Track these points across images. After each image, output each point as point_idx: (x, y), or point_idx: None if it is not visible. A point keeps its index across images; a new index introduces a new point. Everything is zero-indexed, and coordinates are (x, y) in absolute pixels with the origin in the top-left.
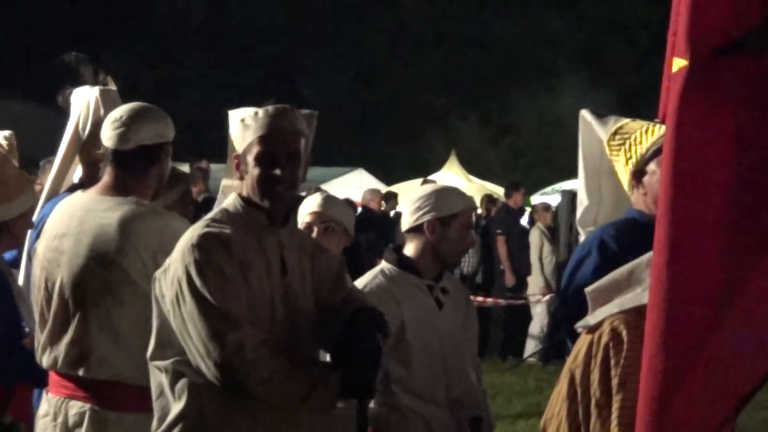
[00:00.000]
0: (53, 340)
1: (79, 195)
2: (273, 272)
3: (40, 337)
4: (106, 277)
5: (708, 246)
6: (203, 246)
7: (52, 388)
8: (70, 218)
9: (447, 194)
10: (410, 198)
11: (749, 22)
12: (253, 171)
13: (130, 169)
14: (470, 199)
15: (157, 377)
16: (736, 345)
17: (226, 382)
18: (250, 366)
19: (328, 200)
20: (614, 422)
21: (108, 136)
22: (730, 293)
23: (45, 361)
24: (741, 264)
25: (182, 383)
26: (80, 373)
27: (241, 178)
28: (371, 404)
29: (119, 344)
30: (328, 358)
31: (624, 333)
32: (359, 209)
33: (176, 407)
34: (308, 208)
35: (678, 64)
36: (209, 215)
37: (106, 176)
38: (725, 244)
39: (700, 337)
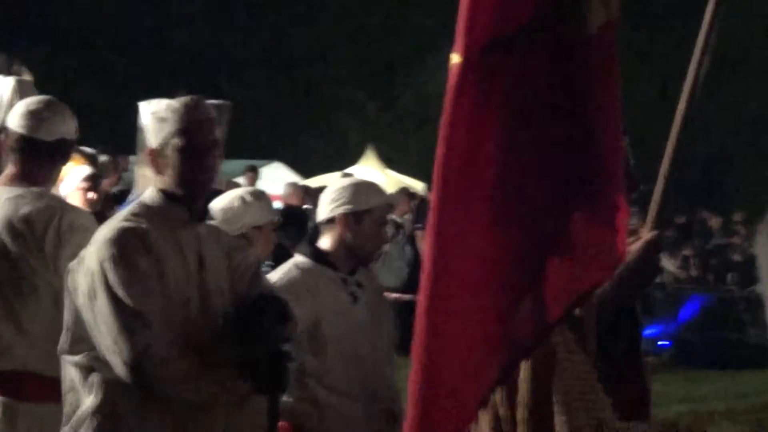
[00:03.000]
0: None
1: None
2: (190, 268)
3: None
4: (10, 268)
5: (472, 237)
6: (119, 241)
7: None
8: None
9: (362, 189)
10: (326, 190)
11: (519, 20)
12: (175, 164)
13: (44, 160)
14: (386, 196)
15: (68, 371)
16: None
17: (134, 380)
18: (159, 366)
19: (267, 204)
20: None
21: (28, 125)
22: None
23: None
24: (499, 258)
25: (94, 378)
26: None
27: (159, 173)
28: (286, 397)
29: (22, 334)
30: None
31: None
32: (279, 204)
33: (87, 402)
34: (253, 218)
35: (454, 59)
36: (128, 209)
37: (14, 166)
38: (487, 234)
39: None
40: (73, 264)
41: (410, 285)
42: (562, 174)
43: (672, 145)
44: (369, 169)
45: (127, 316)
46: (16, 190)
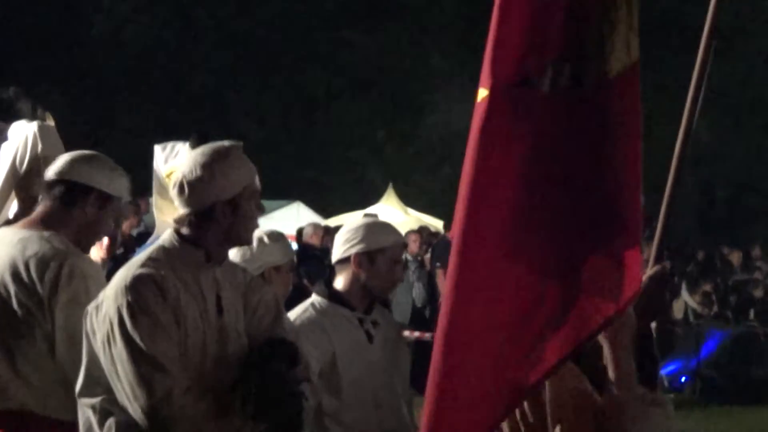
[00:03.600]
0: None
1: (4, 229)
2: (209, 312)
3: None
4: (8, 309)
5: (491, 272)
6: (137, 288)
7: None
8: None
9: (376, 228)
10: (340, 231)
11: (545, 57)
12: (248, 214)
13: (62, 204)
14: (399, 235)
15: (86, 414)
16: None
17: (151, 426)
18: (176, 413)
19: (285, 245)
20: None
21: (59, 169)
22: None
23: None
24: (516, 295)
25: (110, 422)
26: None
27: (224, 217)
28: None
29: (17, 374)
30: None
31: None
32: (295, 244)
33: None
34: (271, 258)
35: (481, 94)
36: (146, 252)
37: (38, 209)
38: (506, 268)
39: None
40: (91, 307)
41: (414, 323)
42: (580, 211)
43: (671, 181)
44: (389, 207)
45: (144, 364)
46: (28, 233)
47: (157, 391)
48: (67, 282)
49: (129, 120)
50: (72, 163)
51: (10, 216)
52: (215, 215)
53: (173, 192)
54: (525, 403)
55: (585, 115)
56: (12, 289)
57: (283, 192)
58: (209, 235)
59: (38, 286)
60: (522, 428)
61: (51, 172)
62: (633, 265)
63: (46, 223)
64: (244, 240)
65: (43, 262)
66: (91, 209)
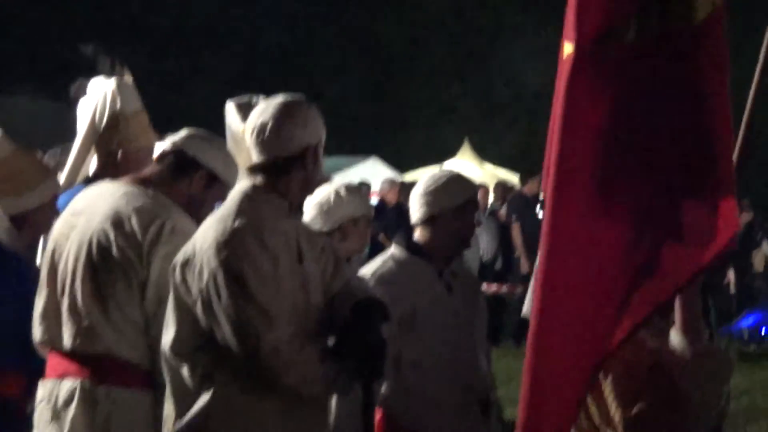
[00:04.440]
0: (48, 311)
1: (107, 182)
2: (294, 262)
3: (38, 310)
4: (108, 255)
5: (583, 228)
6: (238, 240)
7: (47, 373)
8: (90, 199)
9: (452, 184)
10: (417, 191)
11: (628, 9)
12: (314, 167)
13: (173, 171)
14: (474, 188)
15: (177, 369)
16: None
17: (260, 379)
18: (285, 365)
19: (362, 198)
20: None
21: (178, 141)
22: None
23: (39, 334)
24: (609, 249)
25: (207, 377)
26: (71, 345)
27: (304, 168)
28: (382, 388)
29: (108, 319)
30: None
31: None
32: (375, 199)
33: (201, 401)
34: (349, 211)
35: (566, 50)
36: (231, 205)
37: (147, 170)
38: (598, 222)
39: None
40: (178, 260)
41: (482, 276)
42: (671, 160)
43: (743, 130)
44: (465, 162)
45: (253, 317)
46: (134, 188)
47: (268, 341)
48: (169, 238)
49: (205, 77)
50: (190, 138)
51: (90, 173)
52: (304, 161)
53: (254, 139)
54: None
55: (671, 64)
56: (113, 236)
57: (359, 148)
58: (292, 182)
59: (140, 237)
60: None
61: (168, 141)
62: (727, 211)
63: (153, 184)
64: (313, 191)
65: (148, 215)
66: (197, 185)
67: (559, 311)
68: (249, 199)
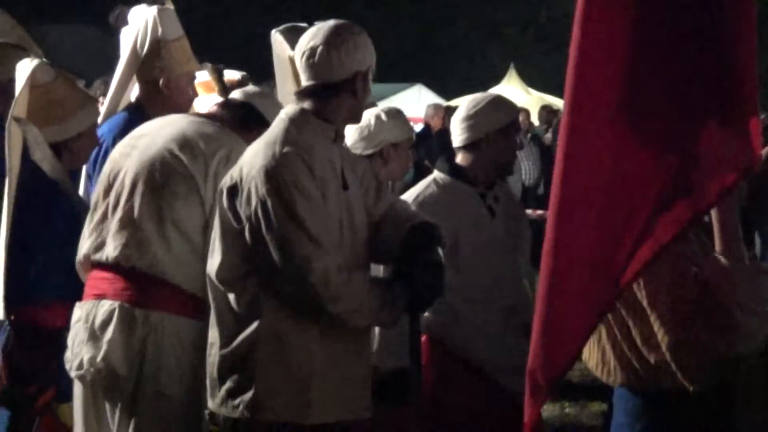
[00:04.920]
0: (100, 225)
1: (173, 115)
2: (339, 188)
3: (88, 227)
4: (173, 173)
5: (600, 151)
6: (286, 166)
7: (85, 294)
8: (155, 124)
9: (494, 107)
10: (458, 115)
11: None
12: (363, 94)
13: (234, 120)
14: (515, 110)
15: (223, 296)
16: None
17: (310, 306)
18: (333, 295)
19: (403, 122)
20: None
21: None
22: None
23: (85, 247)
24: (628, 171)
25: (256, 302)
26: (117, 255)
27: (353, 94)
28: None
29: (161, 236)
30: (380, 271)
31: None
32: (420, 125)
33: (251, 327)
34: (390, 135)
35: None
36: (278, 130)
37: (214, 109)
38: (617, 144)
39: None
40: (225, 184)
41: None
42: (693, 79)
43: None
44: (511, 88)
45: (303, 244)
46: (204, 121)
47: (317, 269)
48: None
49: (247, 6)
50: (261, 95)
51: (132, 99)
52: (354, 87)
53: (304, 63)
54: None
55: None
56: (181, 155)
57: (405, 75)
58: (340, 108)
59: (209, 159)
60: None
61: (239, 93)
62: (752, 132)
63: (221, 121)
64: (360, 118)
65: (216, 142)
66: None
67: (574, 239)
68: (296, 124)
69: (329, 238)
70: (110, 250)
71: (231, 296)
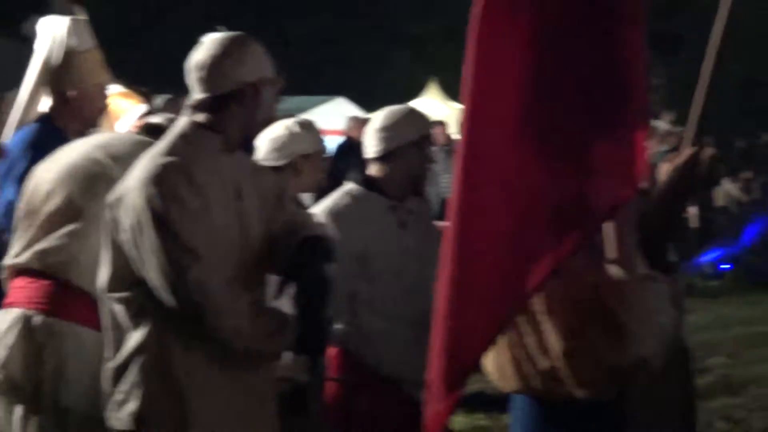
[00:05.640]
0: (23, 233)
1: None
2: (230, 199)
3: (13, 238)
4: (90, 174)
5: (500, 147)
6: (165, 176)
7: (3, 303)
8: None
9: (407, 120)
10: (372, 126)
11: None
12: (256, 105)
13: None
14: (429, 122)
15: (112, 307)
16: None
17: (191, 318)
18: (217, 305)
19: (314, 133)
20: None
21: None
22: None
23: (8, 257)
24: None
25: (141, 314)
26: (31, 265)
27: (243, 106)
28: (336, 324)
29: (81, 239)
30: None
31: None
32: (342, 138)
33: (134, 338)
34: (301, 146)
35: None
36: (164, 143)
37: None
38: (516, 145)
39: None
40: (111, 200)
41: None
42: (584, 92)
43: (709, 65)
44: (432, 101)
45: (177, 252)
46: (127, 132)
47: (191, 281)
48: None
49: (166, 15)
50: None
51: (42, 111)
52: (242, 98)
53: (193, 76)
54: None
55: None
56: (101, 158)
57: (326, 87)
58: (230, 119)
59: (131, 162)
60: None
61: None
62: (638, 148)
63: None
64: (257, 130)
65: (139, 146)
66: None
67: (475, 250)
68: (183, 136)
69: (210, 249)
70: (27, 256)
71: (118, 308)
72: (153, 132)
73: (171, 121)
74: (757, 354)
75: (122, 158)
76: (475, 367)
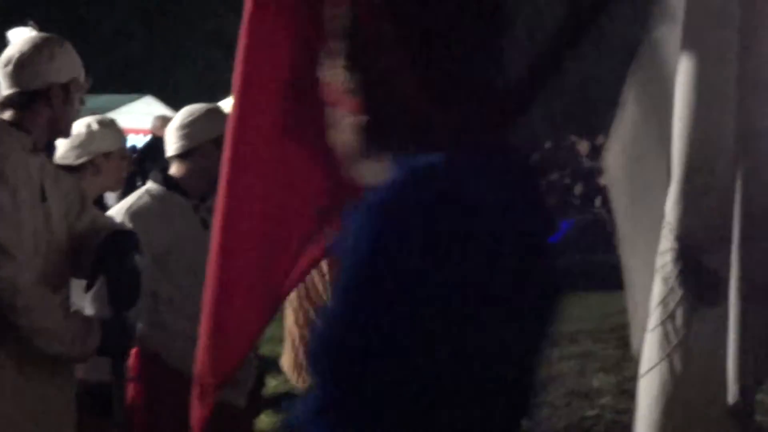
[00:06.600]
0: None
1: None
2: (36, 200)
3: None
4: None
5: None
6: None
7: None
8: None
9: (208, 117)
10: (172, 124)
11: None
12: (74, 106)
13: None
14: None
15: None
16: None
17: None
18: (26, 303)
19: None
20: None
21: None
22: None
23: None
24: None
25: None
26: None
27: (50, 105)
28: (138, 324)
29: None
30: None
31: None
32: (148, 137)
33: None
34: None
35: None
36: None
37: None
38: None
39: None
40: None
41: None
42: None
43: None
44: None
45: None
46: None
47: (5, 278)
48: None
49: None
50: None
51: None
52: (49, 98)
53: (2, 71)
54: None
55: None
56: None
57: (133, 86)
58: (38, 119)
59: None
60: None
61: None
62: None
63: None
64: (65, 132)
65: None
66: None
67: (240, 247)
68: None
69: (19, 247)
70: None
71: None
72: None
73: None
74: None
75: None
76: (244, 359)
